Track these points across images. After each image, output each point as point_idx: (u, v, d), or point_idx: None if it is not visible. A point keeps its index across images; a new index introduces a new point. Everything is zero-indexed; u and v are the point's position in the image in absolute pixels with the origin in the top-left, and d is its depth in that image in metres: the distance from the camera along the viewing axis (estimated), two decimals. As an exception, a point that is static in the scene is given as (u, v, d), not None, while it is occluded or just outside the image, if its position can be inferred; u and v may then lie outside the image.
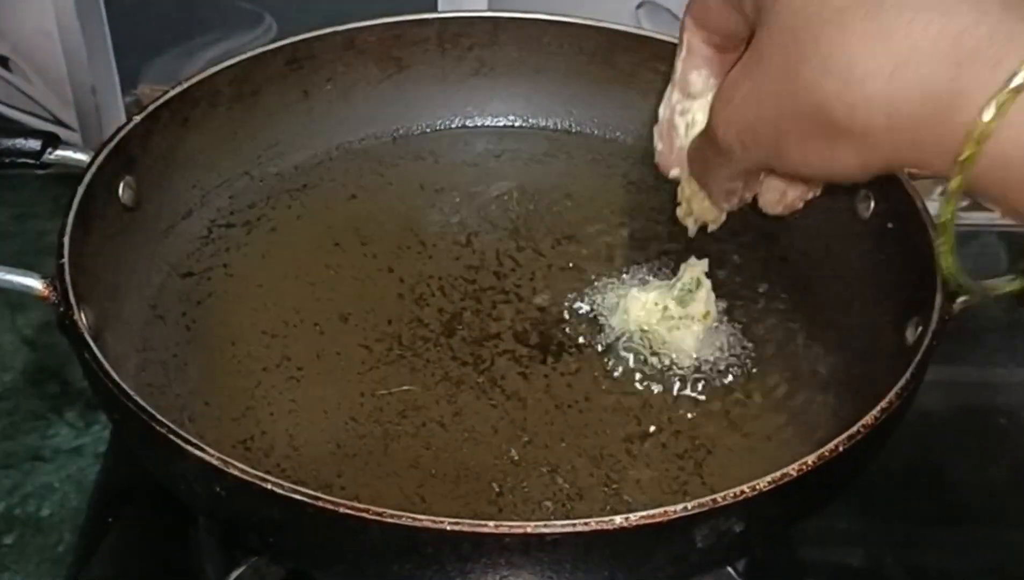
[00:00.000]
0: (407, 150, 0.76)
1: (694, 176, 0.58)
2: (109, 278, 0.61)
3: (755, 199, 0.57)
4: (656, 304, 0.63)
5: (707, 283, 0.62)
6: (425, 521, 0.45)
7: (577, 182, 0.74)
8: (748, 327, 0.64)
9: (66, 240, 0.56)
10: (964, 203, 0.45)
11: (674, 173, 0.60)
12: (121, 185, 0.63)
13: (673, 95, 0.58)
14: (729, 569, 0.60)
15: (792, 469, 0.47)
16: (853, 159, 0.45)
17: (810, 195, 0.57)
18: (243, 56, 0.70)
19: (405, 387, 0.60)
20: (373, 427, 0.58)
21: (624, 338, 0.62)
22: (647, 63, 0.74)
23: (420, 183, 0.73)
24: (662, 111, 0.59)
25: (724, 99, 0.50)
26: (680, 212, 0.62)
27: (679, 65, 0.57)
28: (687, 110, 0.58)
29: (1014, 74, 0.40)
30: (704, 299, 0.62)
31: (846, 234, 0.67)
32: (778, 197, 0.56)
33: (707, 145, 0.53)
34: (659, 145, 0.60)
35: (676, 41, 0.73)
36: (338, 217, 0.70)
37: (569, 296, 0.65)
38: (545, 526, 0.45)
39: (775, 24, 0.46)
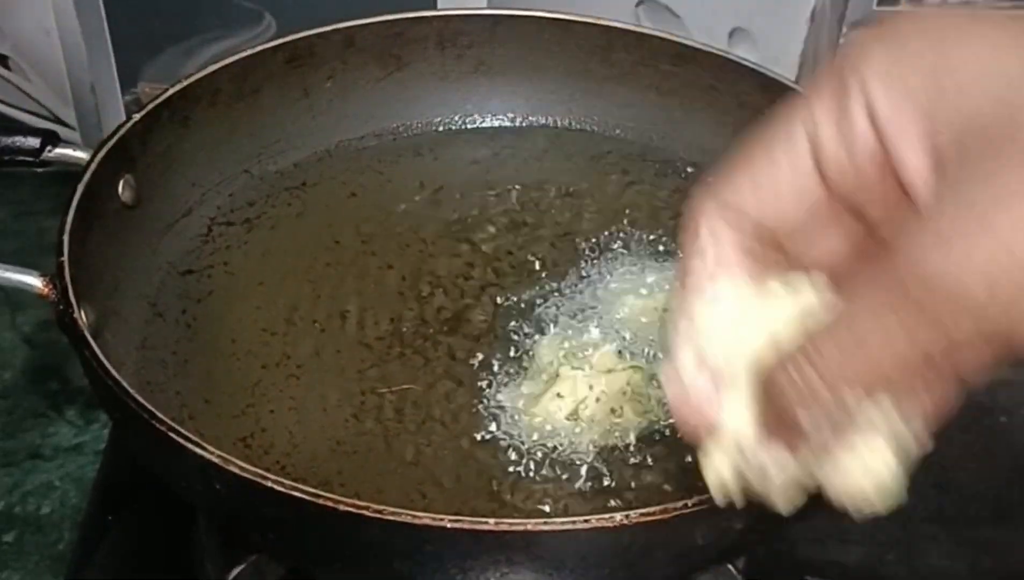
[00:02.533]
0: (407, 148, 0.76)
1: (836, 381, 0.35)
2: (109, 276, 0.61)
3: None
4: (655, 308, 0.63)
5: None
6: (425, 519, 0.45)
7: (577, 180, 0.74)
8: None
9: (66, 238, 0.56)
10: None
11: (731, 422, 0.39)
12: (121, 183, 0.63)
13: (702, 308, 0.39)
14: (729, 567, 0.60)
15: (792, 466, 0.47)
16: None
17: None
18: (243, 54, 0.70)
19: (405, 385, 0.60)
20: (373, 425, 0.58)
21: (622, 336, 0.62)
22: (646, 61, 0.74)
23: (420, 181, 0.73)
24: (681, 346, 0.39)
25: (938, 238, 0.33)
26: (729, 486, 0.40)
27: (705, 267, 0.39)
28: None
29: None
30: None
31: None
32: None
33: (873, 331, 0.34)
34: (694, 379, 0.39)
35: (675, 39, 0.74)
36: (338, 215, 0.70)
37: (570, 294, 0.65)
38: (546, 524, 0.45)
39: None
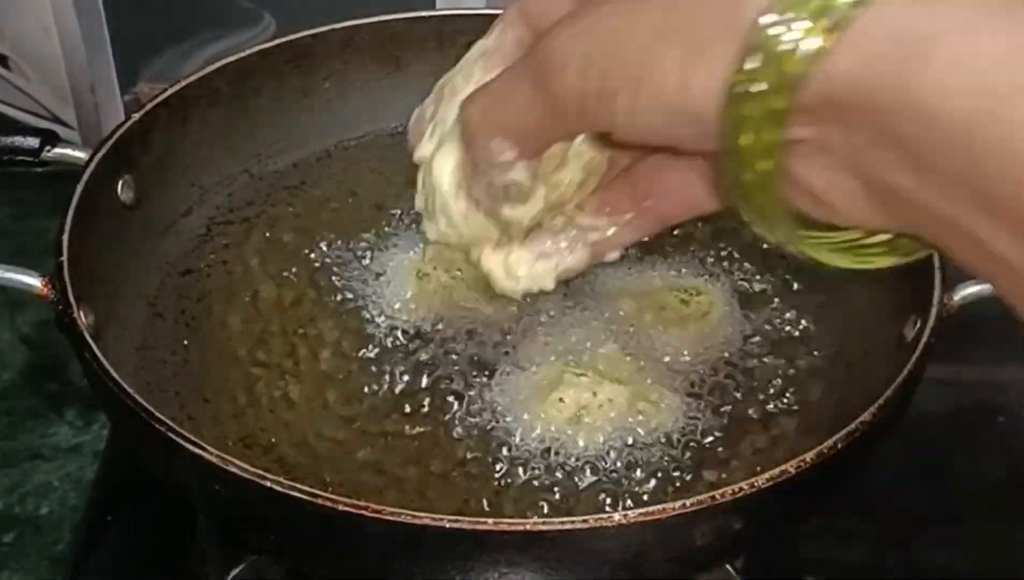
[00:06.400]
0: (406, 147, 0.75)
1: (468, 120, 0.43)
2: (108, 276, 0.60)
3: None
4: (656, 307, 0.63)
5: None
6: (425, 519, 0.45)
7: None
8: (746, 324, 0.64)
9: (65, 238, 0.56)
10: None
11: (423, 151, 0.47)
12: (120, 183, 0.63)
13: (461, 81, 0.47)
14: (728, 567, 0.60)
15: (791, 466, 0.47)
16: None
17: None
18: (242, 54, 0.70)
19: (405, 385, 0.60)
20: (373, 424, 0.58)
21: (623, 337, 0.62)
22: (646, 61, 0.74)
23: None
24: (447, 89, 0.48)
25: (571, 17, 0.38)
26: (439, 230, 0.47)
27: (482, 58, 0.47)
28: None
29: None
30: None
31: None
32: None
33: (511, 84, 0.41)
34: (430, 109, 0.48)
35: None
36: (338, 215, 0.70)
37: (570, 293, 0.65)
38: (544, 524, 0.45)
39: None
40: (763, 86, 0.32)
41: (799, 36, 0.31)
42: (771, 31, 0.31)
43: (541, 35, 0.39)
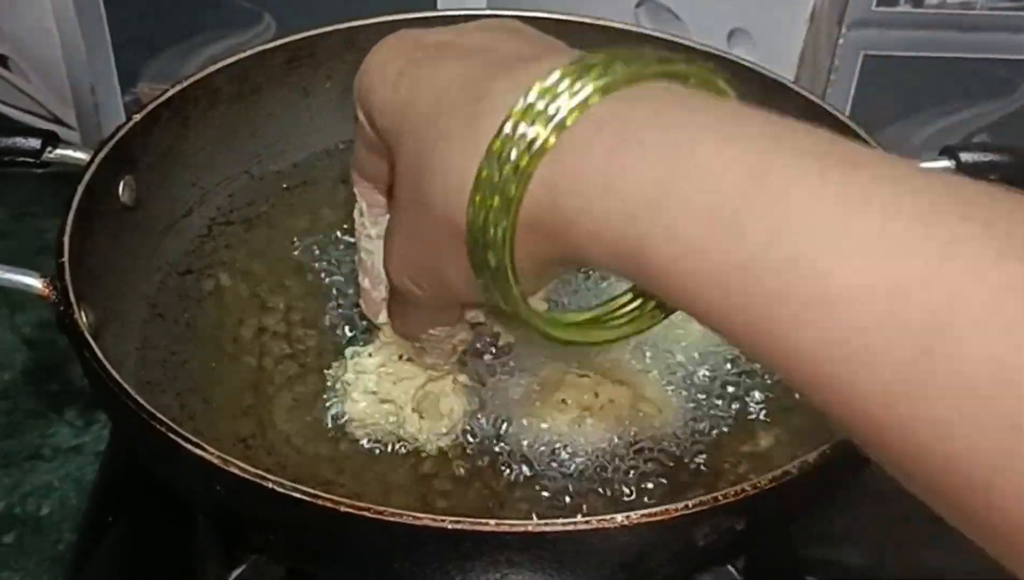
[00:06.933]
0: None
1: (401, 336, 0.55)
2: (109, 277, 0.60)
3: None
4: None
5: None
6: (426, 520, 0.45)
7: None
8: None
9: (66, 239, 0.56)
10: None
11: (382, 319, 0.57)
12: (121, 184, 0.63)
13: (365, 243, 0.56)
14: (729, 568, 0.60)
15: (793, 467, 0.47)
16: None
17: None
18: (243, 54, 0.70)
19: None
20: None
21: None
22: (647, 61, 0.74)
23: (420, 181, 0.73)
24: (363, 255, 0.57)
25: (387, 249, 0.47)
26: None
27: (362, 218, 0.55)
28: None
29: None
30: None
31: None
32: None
33: (397, 299, 0.50)
34: (365, 282, 0.57)
35: (675, 39, 0.74)
36: (339, 215, 0.70)
37: (571, 292, 0.65)
38: (546, 524, 0.45)
39: (402, 158, 0.44)
40: (492, 262, 0.40)
41: (492, 250, 0.39)
42: (476, 249, 0.40)
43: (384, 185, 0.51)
